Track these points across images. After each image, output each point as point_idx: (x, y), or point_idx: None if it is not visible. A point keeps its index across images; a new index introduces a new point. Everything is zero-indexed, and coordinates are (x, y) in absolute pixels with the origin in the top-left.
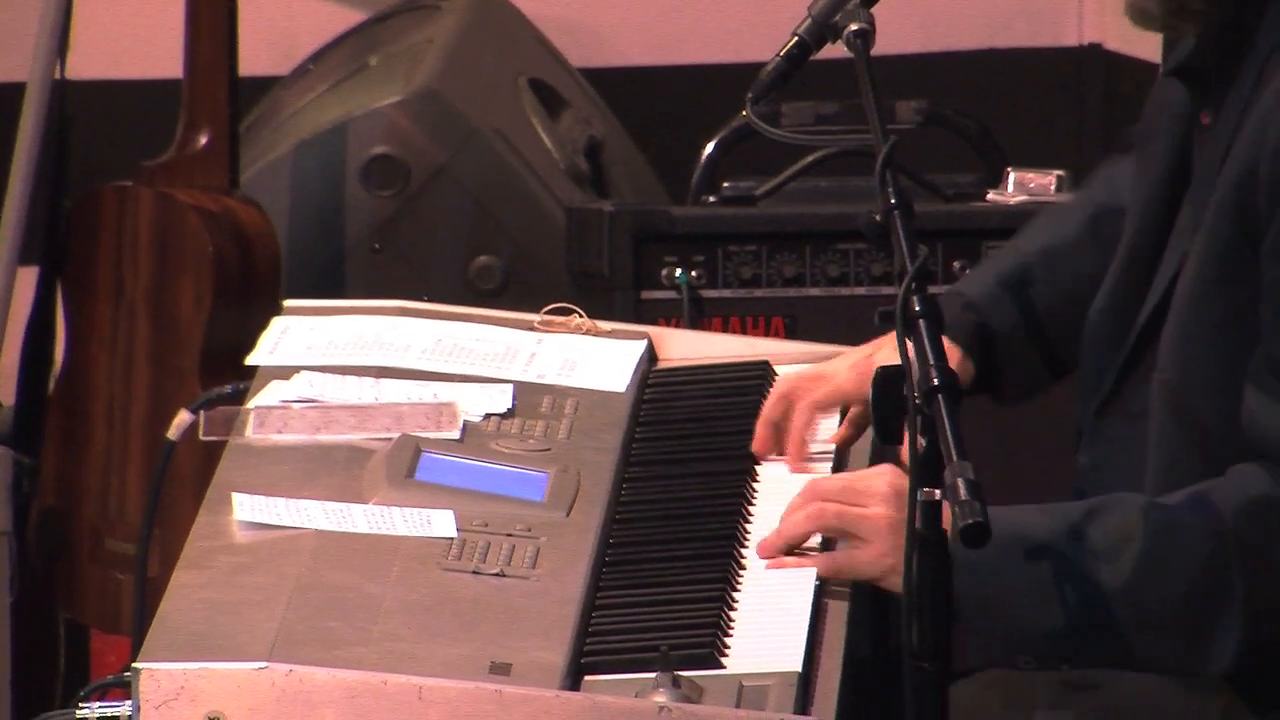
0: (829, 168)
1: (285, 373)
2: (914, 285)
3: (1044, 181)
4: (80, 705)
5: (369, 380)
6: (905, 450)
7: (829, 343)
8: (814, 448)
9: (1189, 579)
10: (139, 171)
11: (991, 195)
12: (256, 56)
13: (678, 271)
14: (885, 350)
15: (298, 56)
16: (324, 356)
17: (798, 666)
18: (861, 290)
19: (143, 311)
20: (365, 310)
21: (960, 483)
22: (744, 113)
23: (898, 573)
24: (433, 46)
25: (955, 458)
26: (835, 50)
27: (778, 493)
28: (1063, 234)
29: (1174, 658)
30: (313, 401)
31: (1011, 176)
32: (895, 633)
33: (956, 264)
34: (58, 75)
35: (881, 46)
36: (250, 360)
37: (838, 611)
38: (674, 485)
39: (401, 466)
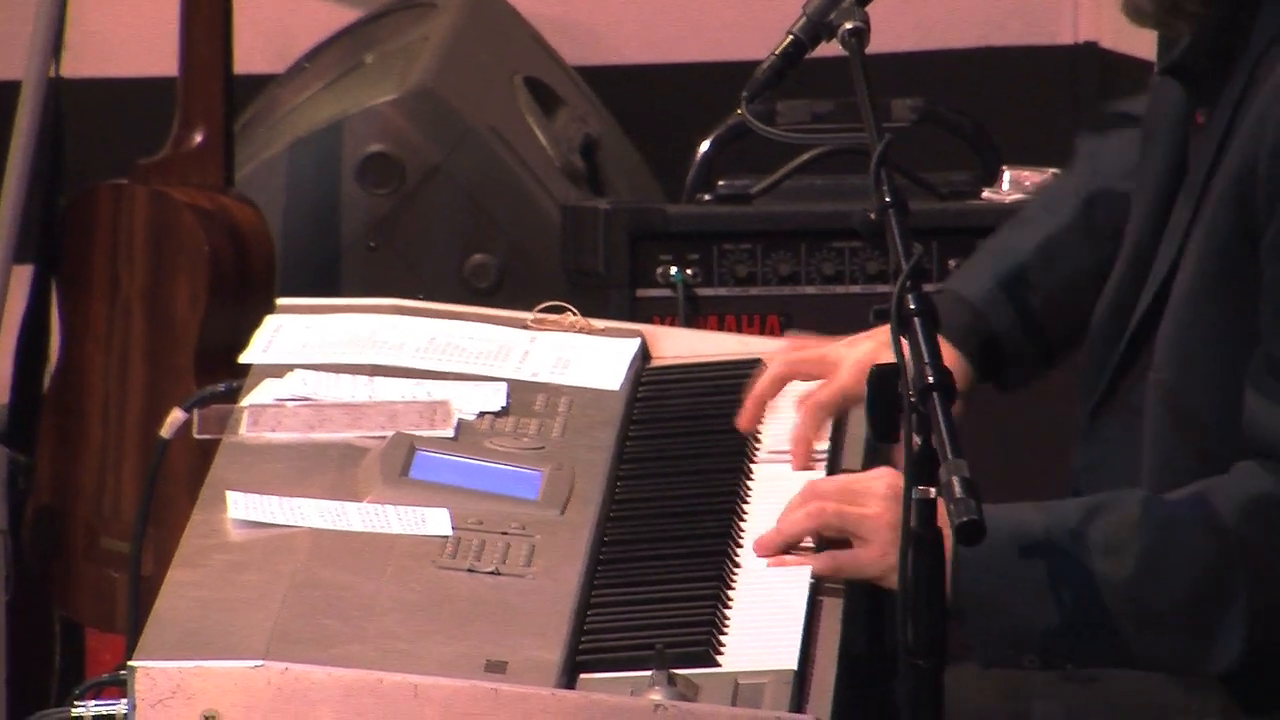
0: (824, 166)
1: (279, 371)
2: (909, 283)
3: (1039, 179)
4: (76, 704)
5: (363, 378)
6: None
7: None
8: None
9: (1191, 577)
10: (134, 170)
11: (986, 193)
12: (252, 55)
13: (673, 269)
14: (888, 346)
15: (293, 55)
16: (318, 355)
17: (793, 664)
18: (856, 288)
19: (138, 310)
20: (359, 308)
21: (955, 481)
22: (739, 111)
23: (897, 571)
24: (428, 45)
25: (950, 456)
26: (830, 48)
27: (772, 491)
28: (1057, 227)
29: (1176, 657)
30: (307, 400)
31: (1006, 174)
32: (890, 630)
33: (951, 262)
34: (53, 73)
35: (876, 45)
36: (244, 358)
37: (833, 609)
38: (668, 483)
39: (396, 465)
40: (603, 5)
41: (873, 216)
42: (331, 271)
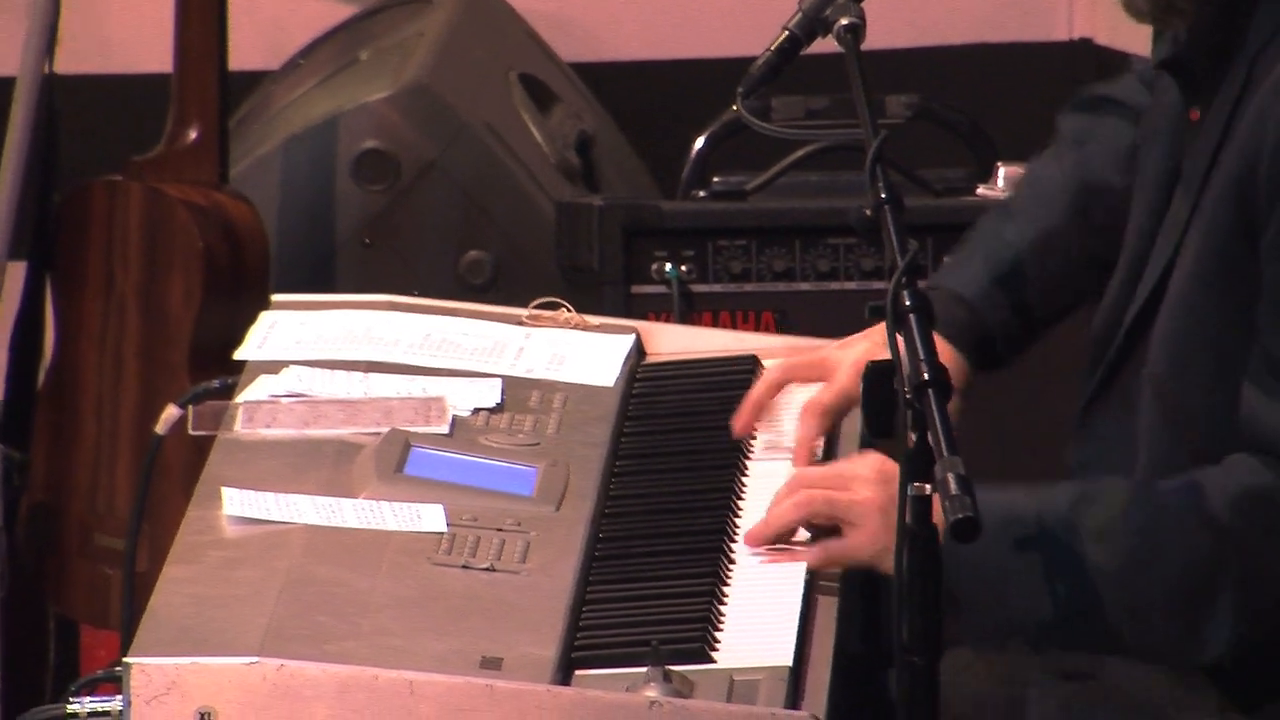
0: (819, 162)
1: (274, 367)
2: (904, 280)
3: None
4: (71, 700)
5: (358, 375)
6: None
7: (819, 338)
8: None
9: (1181, 566)
10: (128, 166)
11: (982, 190)
12: (246, 51)
13: (668, 266)
14: (883, 346)
15: (288, 51)
16: (312, 351)
17: (788, 660)
18: (852, 285)
19: (132, 306)
20: (354, 305)
21: (950, 477)
22: (734, 107)
23: (891, 553)
24: (423, 41)
25: (945, 452)
26: (826, 45)
27: (767, 487)
28: (1050, 221)
29: (1166, 645)
30: (301, 396)
31: (1001, 171)
32: (886, 626)
33: (946, 259)
34: (47, 69)
35: (872, 41)
36: (238, 355)
37: (828, 605)
38: (663, 479)
39: (391, 461)
40: (598, 2)
41: (868, 213)
42: (326, 268)
